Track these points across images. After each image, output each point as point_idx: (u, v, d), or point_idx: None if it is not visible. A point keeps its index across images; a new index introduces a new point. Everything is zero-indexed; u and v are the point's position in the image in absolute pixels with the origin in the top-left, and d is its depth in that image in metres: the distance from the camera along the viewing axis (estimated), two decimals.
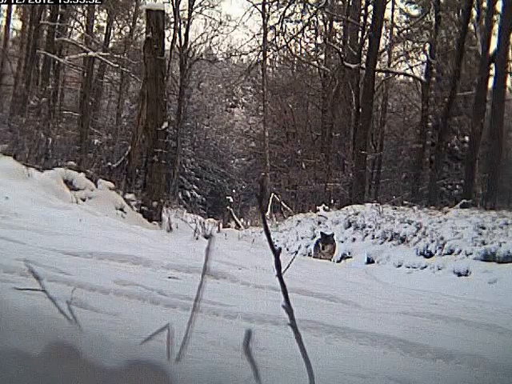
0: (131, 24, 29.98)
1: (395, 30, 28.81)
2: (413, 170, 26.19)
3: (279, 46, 30.08)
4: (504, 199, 19.86)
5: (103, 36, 30.97)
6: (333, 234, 10.04)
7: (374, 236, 12.13)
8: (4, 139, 13.64)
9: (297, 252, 10.46)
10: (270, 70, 33.41)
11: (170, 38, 28.95)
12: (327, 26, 30.41)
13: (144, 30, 15.94)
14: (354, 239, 12.69)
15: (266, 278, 4.57)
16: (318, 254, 9.64)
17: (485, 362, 2.65)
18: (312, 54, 32.12)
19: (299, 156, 29.85)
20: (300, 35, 30.30)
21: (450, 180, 26.14)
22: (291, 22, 30.19)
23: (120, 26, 31.29)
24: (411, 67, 29.63)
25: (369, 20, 25.52)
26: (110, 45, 30.56)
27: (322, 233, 10.18)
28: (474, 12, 22.05)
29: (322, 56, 31.69)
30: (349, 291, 4.81)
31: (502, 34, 17.09)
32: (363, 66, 23.17)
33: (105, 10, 29.50)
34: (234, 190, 32.75)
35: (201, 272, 0.90)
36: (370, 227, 12.65)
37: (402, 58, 30.15)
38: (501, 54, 17.05)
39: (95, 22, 30.76)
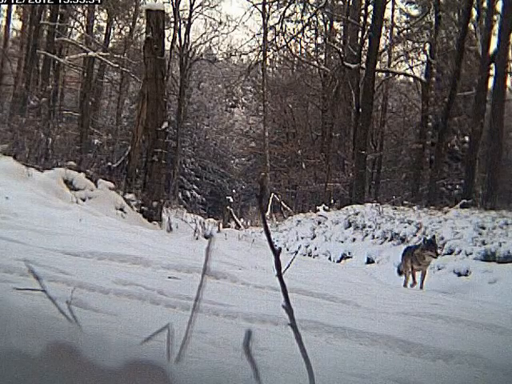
0: (131, 24, 29.98)
1: (395, 29, 28.83)
2: (413, 170, 26.19)
3: (279, 46, 30.11)
4: (504, 199, 19.85)
5: (103, 36, 30.98)
6: (434, 236, 8.52)
7: (373, 236, 12.13)
8: (4, 139, 13.65)
9: (297, 252, 10.37)
10: (270, 70, 33.41)
11: (170, 38, 28.99)
12: (327, 25, 30.43)
13: (144, 29, 15.95)
14: (354, 239, 12.69)
15: (266, 278, 4.57)
16: (410, 266, 7.97)
17: (485, 362, 2.65)
18: (312, 53, 32.13)
19: (299, 156, 29.85)
20: (300, 35, 30.36)
21: (450, 180, 26.15)
22: (291, 21, 30.25)
23: (120, 26, 31.29)
24: (411, 67, 29.68)
25: (369, 20, 25.52)
26: (110, 45, 30.56)
27: (424, 239, 8.30)
28: (474, 12, 22.04)
29: (322, 56, 31.71)
30: (349, 291, 4.82)
31: (501, 34, 17.09)
32: (363, 65, 23.18)
33: (105, 10, 29.50)
34: (233, 190, 32.76)
35: (201, 272, 0.90)
36: (370, 227, 12.64)
37: (402, 58, 30.18)
38: (501, 53, 17.04)
39: (95, 21, 30.80)
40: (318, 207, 17.80)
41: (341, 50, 26.90)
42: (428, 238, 8.46)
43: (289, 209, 23.78)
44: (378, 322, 3.44)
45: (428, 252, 7.77)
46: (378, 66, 23.90)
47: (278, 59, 34.49)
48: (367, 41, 24.10)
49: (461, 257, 9.49)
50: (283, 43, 29.53)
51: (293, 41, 30.25)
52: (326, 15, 29.61)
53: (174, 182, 30.04)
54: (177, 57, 31.21)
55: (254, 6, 28.99)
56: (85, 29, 29.61)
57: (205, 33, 32.89)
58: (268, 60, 30.75)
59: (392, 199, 19.74)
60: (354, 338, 2.95)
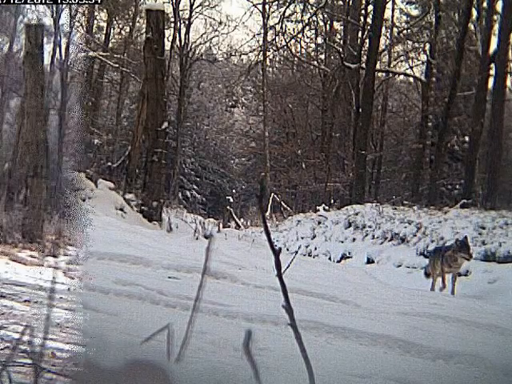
0: (131, 24, 29.95)
1: (395, 29, 28.81)
2: (413, 169, 26.18)
3: (279, 46, 30.11)
4: (504, 199, 19.84)
5: (103, 36, 30.96)
6: (466, 237, 7.89)
7: (374, 236, 12.13)
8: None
9: (297, 252, 10.35)
10: (270, 70, 33.40)
11: (170, 38, 28.97)
12: (327, 25, 30.42)
13: (144, 29, 15.94)
14: (353, 239, 12.69)
15: (266, 278, 4.57)
16: (439, 269, 7.54)
17: (485, 362, 2.65)
18: (312, 53, 32.13)
19: (299, 156, 29.84)
20: (300, 35, 30.35)
21: (450, 180, 26.14)
22: (291, 21, 30.25)
23: (120, 26, 31.26)
24: (411, 67, 29.64)
25: (369, 20, 25.52)
26: (110, 45, 30.52)
27: (457, 240, 7.78)
28: (474, 12, 22.03)
29: (322, 56, 31.70)
30: (349, 291, 4.82)
31: (501, 34, 17.09)
32: (363, 65, 23.18)
33: (105, 10, 29.48)
34: (233, 190, 32.75)
35: (201, 272, 0.90)
36: (370, 227, 12.64)
37: (402, 58, 30.15)
38: (501, 53, 17.04)
39: (95, 21, 30.77)
40: (318, 207, 17.80)
41: (341, 49, 26.89)
42: (460, 238, 7.88)
43: (289, 209, 23.78)
44: (377, 322, 3.44)
45: (461, 254, 7.32)
46: (378, 66, 23.91)
47: (278, 59, 34.48)
48: (367, 41, 24.09)
49: None
50: (283, 43, 29.55)
51: (293, 41, 30.27)
52: (326, 15, 29.60)
53: (174, 182, 30.02)
54: (177, 57, 31.19)
55: (254, 5, 28.99)
56: (85, 29, 29.60)
57: (205, 33, 32.86)
58: (268, 60, 30.74)
59: (392, 199, 19.75)
60: (353, 338, 2.95)
